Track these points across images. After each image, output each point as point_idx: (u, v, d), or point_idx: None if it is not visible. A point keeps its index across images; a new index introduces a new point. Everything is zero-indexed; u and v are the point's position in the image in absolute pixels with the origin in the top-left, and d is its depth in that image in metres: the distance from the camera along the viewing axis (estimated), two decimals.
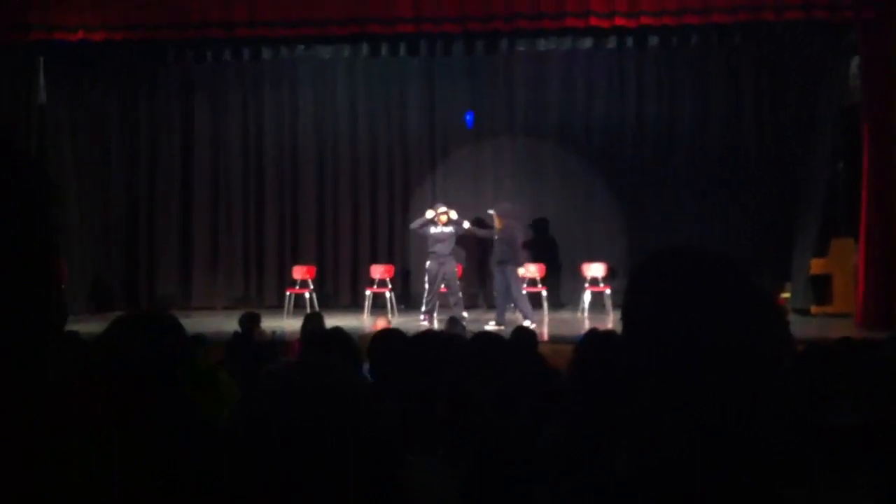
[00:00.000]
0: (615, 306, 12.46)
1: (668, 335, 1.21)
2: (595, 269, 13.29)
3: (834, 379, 3.44)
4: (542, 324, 11.73)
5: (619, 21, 11.22)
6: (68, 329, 6.70)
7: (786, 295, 12.46)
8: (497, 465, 2.13)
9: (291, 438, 1.06)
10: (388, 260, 14.11)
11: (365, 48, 12.57)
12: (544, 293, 13.06)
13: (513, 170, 14.37)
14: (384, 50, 12.57)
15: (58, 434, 1.27)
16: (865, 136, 11.18)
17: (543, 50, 12.96)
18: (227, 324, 10.16)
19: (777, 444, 1.16)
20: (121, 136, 14.39)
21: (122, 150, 14.41)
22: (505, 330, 10.53)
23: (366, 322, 12.04)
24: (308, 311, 11.56)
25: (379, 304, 13.24)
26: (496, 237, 11.69)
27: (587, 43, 12.37)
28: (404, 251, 14.19)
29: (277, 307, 13.42)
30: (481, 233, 12.47)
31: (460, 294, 12.03)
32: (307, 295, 13.32)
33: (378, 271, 13.61)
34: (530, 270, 13.31)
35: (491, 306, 14.07)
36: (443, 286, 11.89)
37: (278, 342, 8.36)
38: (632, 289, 1.29)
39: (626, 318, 1.28)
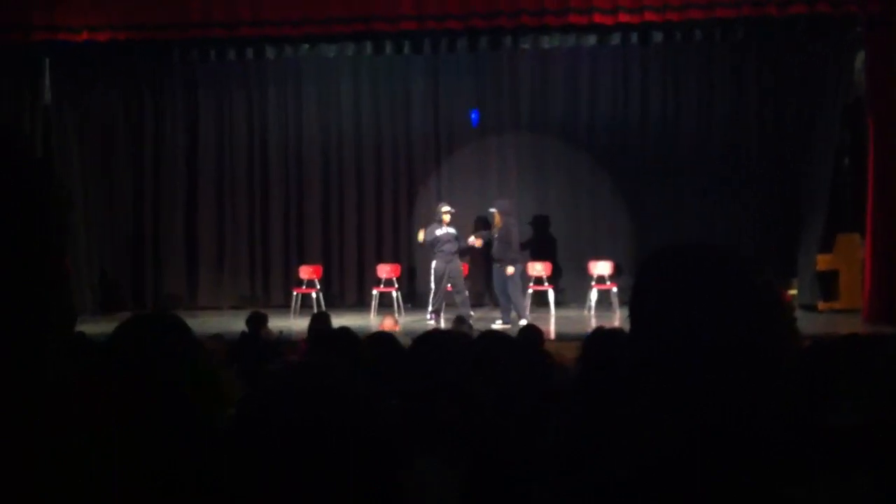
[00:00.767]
0: (622, 304, 12.46)
1: (670, 333, 1.21)
2: (601, 267, 13.28)
3: (840, 375, 3.43)
4: (548, 322, 11.72)
5: (623, 17, 11.21)
6: (76, 330, 6.72)
7: (792, 291, 12.43)
8: (497, 465, 2.13)
9: (292, 439, 1.07)
10: (394, 259, 14.11)
11: (369, 46, 12.57)
12: (551, 291, 13.05)
13: (517, 167, 14.37)
14: (388, 48, 12.57)
15: (58, 434, 1.27)
16: (870, 131, 11.16)
17: (547, 47, 12.94)
18: (234, 323, 10.18)
19: (777, 443, 1.16)
20: (126, 135, 14.42)
21: (127, 149, 14.43)
22: (512, 329, 10.61)
23: (373, 321, 12.03)
24: (315, 310, 11.56)
25: (385, 304, 13.24)
26: (495, 236, 11.68)
27: (591, 40, 12.36)
28: (410, 250, 14.18)
29: (284, 307, 13.44)
30: (481, 237, 12.28)
31: (466, 293, 12.04)
32: (314, 294, 13.33)
33: (384, 270, 13.62)
34: (536, 269, 13.31)
35: (497, 304, 14.09)
36: (449, 285, 11.90)
37: (284, 342, 8.36)
38: (637, 286, 1.29)
39: (633, 313, 1.28)
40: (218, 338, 7.47)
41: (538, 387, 3.01)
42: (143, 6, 11.52)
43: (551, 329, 11.15)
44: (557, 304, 13.10)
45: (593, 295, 12.92)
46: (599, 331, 4.47)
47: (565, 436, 2.35)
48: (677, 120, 14.03)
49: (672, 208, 13.56)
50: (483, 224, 13.89)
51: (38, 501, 1.23)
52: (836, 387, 2.94)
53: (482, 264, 14.12)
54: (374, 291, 13.36)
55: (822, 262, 12.33)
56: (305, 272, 13.67)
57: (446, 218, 11.96)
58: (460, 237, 12.16)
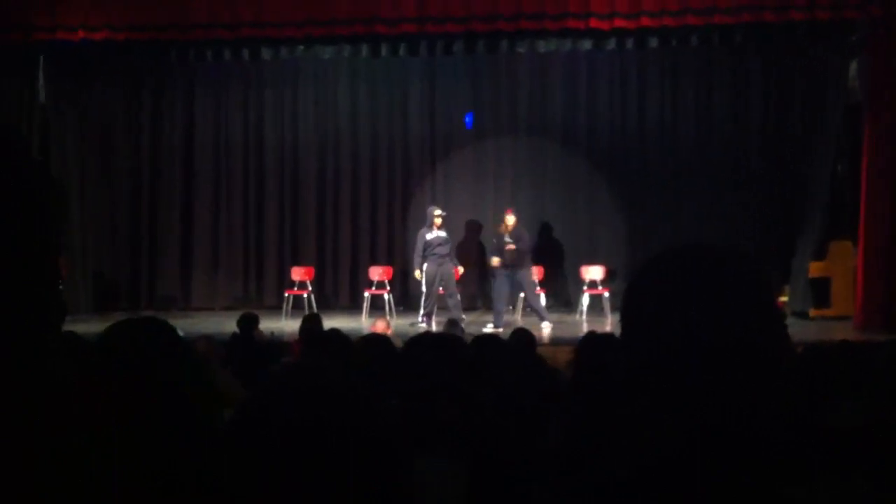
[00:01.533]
0: (613, 309, 12.45)
1: (667, 334, 1.21)
2: (594, 272, 13.29)
3: (833, 381, 3.45)
4: (540, 325, 11.72)
5: (619, 22, 11.22)
6: (68, 329, 6.71)
7: (784, 298, 12.46)
8: (499, 466, 2.13)
9: (293, 439, 1.07)
10: (387, 261, 14.11)
11: (365, 49, 12.57)
12: (542, 295, 13.05)
13: (513, 171, 14.39)
14: (385, 50, 12.57)
15: (57, 434, 1.27)
16: (866, 137, 11.18)
17: (545, 51, 12.95)
18: (227, 324, 10.17)
19: (777, 444, 1.16)
20: (122, 135, 14.41)
21: (124, 149, 14.42)
22: (503, 333, 10.61)
23: (364, 324, 12.02)
24: (307, 312, 11.56)
25: (378, 306, 13.23)
26: (506, 240, 11.67)
27: (588, 44, 12.37)
28: (404, 253, 14.18)
29: (276, 308, 13.43)
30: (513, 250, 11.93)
31: (458, 296, 12.04)
32: (306, 296, 13.32)
33: (377, 273, 13.60)
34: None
35: (490, 308, 14.10)
36: (440, 288, 11.91)
37: (276, 343, 8.36)
38: (632, 288, 1.29)
39: (625, 318, 1.28)
40: (208, 339, 7.46)
41: (535, 388, 3.02)
42: (142, 6, 11.51)
43: (544, 333, 11.15)
44: (549, 308, 13.09)
45: (585, 299, 12.93)
46: (592, 335, 4.48)
47: (565, 436, 2.35)
48: (675, 124, 14.05)
49: (669, 213, 13.58)
50: (475, 228, 13.95)
51: (34, 500, 1.22)
52: (833, 390, 2.95)
53: (475, 268, 14.13)
54: (367, 294, 13.35)
55: (815, 268, 12.35)
56: (297, 273, 13.65)
57: (438, 221, 11.98)
58: (451, 240, 12.18)
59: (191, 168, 14.65)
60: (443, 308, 12.11)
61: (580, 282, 13.34)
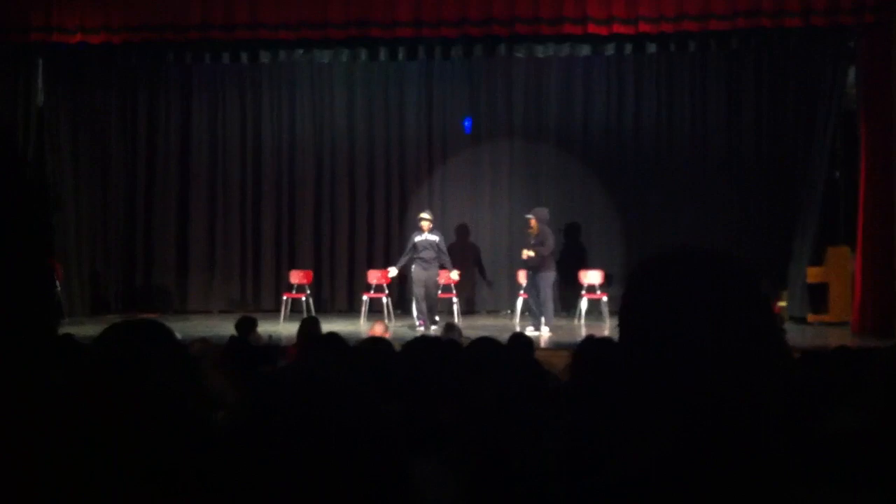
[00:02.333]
0: (612, 313, 12.47)
1: (664, 338, 1.21)
2: (592, 276, 13.29)
3: (831, 387, 3.45)
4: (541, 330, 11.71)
5: (618, 28, 11.24)
6: (64, 331, 6.70)
7: (782, 303, 12.47)
8: (497, 469, 2.13)
9: (291, 441, 1.06)
10: (384, 265, 14.09)
11: (363, 53, 12.58)
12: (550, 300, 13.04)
13: (510, 175, 14.39)
14: (382, 54, 12.57)
15: (53, 437, 1.26)
16: (863, 143, 11.19)
17: (542, 56, 12.96)
18: (224, 327, 10.16)
19: (774, 448, 1.16)
20: (119, 137, 14.39)
21: (120, 151, 14.41)
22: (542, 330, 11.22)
23: (362, 327, 12.02)
24: (304, 315, 11.55)
25: (376, 309, 13.22)
26: (531, 243, 11.70)
27: (585, 49, 12.38)
28: (401, 256, 14.18)
29: (274, 311, 13.42)
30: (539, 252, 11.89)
31: (436, 302, 12.20)
32: (303, 299, 13.30)
33: (375, 276, 13.59)
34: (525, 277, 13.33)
35: (489, 311, 14.13)
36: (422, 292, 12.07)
37: (274, 347, 8.35)
38: (629, 292, 1.29)
39: (622, 322, 1.28)
40: (203, 341, 7.45)
41: (534, 391, 3.02)
42: (139, 9, 11.51)
43: (542, 337, 11.16)
44: None
45: (583, 304, 12.93)
46: (590, 339, 4.48)
47: (563, 439, 2.35)
48: (671, 129, 14.07)
49: (666, 219, 13.59)
50: (464, 231, 13.98)
51: (32, 501, 1.22)
52: (831, 396, 2.95)
53: (474, 272, 14.16)
54: (364, 297, 13.34)
55: (813, 274, 12.36)
56: (296, 277, 13.64)
57: (424, 225, 12.09)
58: (441, 244, 12.22)
59: (187, 171, 14.64)
60: (442, 311, 12.20)
61: (578, 286, 13.34)
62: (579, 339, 8.32)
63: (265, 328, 9.84)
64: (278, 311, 13.20)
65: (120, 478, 1.58)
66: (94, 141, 13.92)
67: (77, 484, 1.39)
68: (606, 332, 10.45)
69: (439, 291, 12.35)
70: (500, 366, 2.82)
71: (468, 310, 13.75)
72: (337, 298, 14.53)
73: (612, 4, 11.13)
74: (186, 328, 10.82)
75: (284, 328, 11.52)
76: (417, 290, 12.03)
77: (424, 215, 12.23)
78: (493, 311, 14.16)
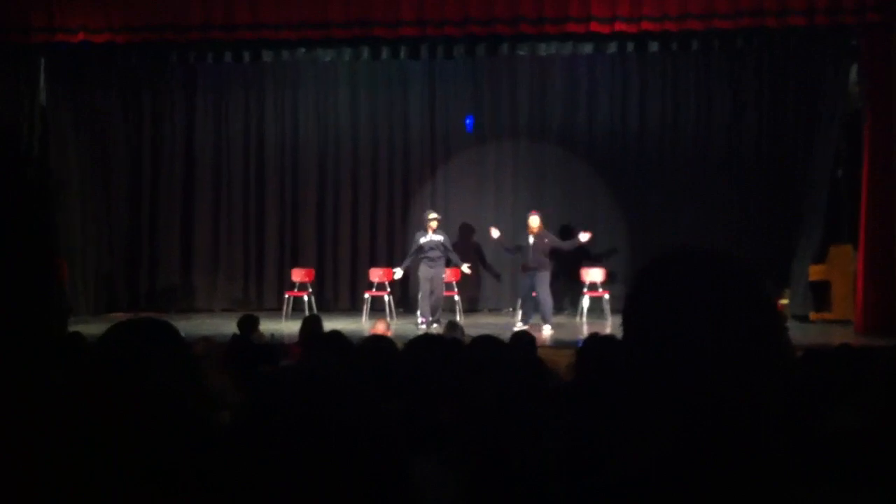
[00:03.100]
0: (614, 311, 12.46)
1: (668, 338, 1.21)
2: (594, 274, 13.28)
3: (832, 385, 3.44)
4: (540, 328, 11.72)
5: (620, 26, 11.22)
6: (71, 330, 6.71)
7: (784, 301, 12.46)
8: (499, 468, 2.13)
9: (293, 440, 1.06)
10: (387, 263, 14.09)
11: (366, 51, 12.58)
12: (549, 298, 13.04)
13: (514, 174, 14.39)
14: (385, 53, 12.57)
15: (57, 435, 1.27)
16: (866, 142, 11.18)
17: (545, 54, 12.95)
18: (226, 326, 10.17)
19: (775, 448, 1.16)
20: (122, 137, 14.40)
21: (124, 151, 14.41)
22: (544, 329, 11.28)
23: (364, 325, 12.03)
24: (307, 313, 11.55)
25: (378, 308, 13.23)
26: (531, 242, 11.74)
27: (588, 48, 12.37)
28: (404, 255, 14.18)
29: (276, 310, 13.42)
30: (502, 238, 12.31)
31: (441, 300, 12.27)
32: (306, 297, 13.31)
33: (377, 275, 13.59)
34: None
35: (492, 309, 14.13)
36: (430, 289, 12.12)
37: (276, 345, 8.35)
38: (634, 291, 1.29)
39: (626, 322, 1.28)
40: (206, 340, 7.45)
41: (535, 391, 3.02)
42: (141, 9, 11.50)
43: (544, 336, 11.16)
44: None
45: (585, 302, 12.92)
46: (594, 337, 4.48)
47: (566, 438, 2.35)
48: (675, 127, 14.05)
49: (669, 217, 13.58)
50: (468, 229, 13.99)
51: (34, 499, 1.22)
52: (833, 394, 2.95)
53: (477, 271, 14.15)
54: (367, 295, 13.35)
55: (815, 272, 12.36)
56: (298, 275, 13.64)
57: (432, 225, 12.14)
58: (447, 242, 12.29)
59: (191, 170, 14.65)
60: (445, 309, 12.22)
61: (580, 284, 13.34)
62: (581, 336, 8.33)
63: (267, 326, 9.85)
64: (281, 309, 13.21)
65: (120, 477, 1.58)
66: (97, 141, 13.92)
67: (77, 483, 1.39)
68: (608, 330, 10.46)
69: (444, 290, 12.37)
70: (501, 365, 2.82)
71: (470, 308, 13.76)
72: (339, 297, 14.53)
73: (616, 4, 11.11)
74: (189, 327, 10.82)
75: (287, 326, 11.52)
76: (424, 287, 12.08)
77: (433, 215, 12.26)
78: (495, 310, 14.15)
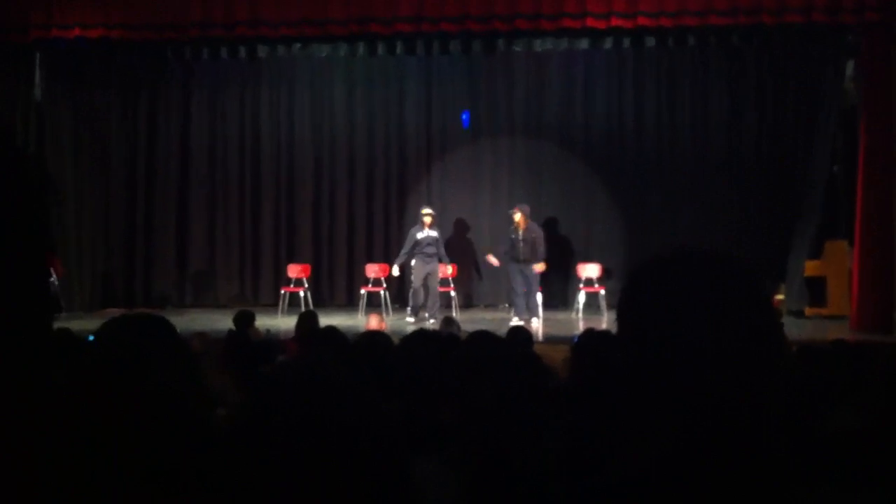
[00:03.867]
0: (609, 307, 12.49)
1: (663, 338, 1.21)
2: (590, 270, 13.29)
3: (830, 384, 3.44)
4: (536, 324, 11.73)
5: (616, 22, 11.21)
6: (62, 326, 6.70)
7: (780, 297, 12.49)
8: (498, 466, 2.13)
9: (291, 439, 1.06)
10: (383, 259, 14.10)
11: (362, 47, 12.56)
12: (539, 293, 13.04)
13: (510, 170, 14.39)
14: (381, 49, 12.56)
15: (54, 433, 1.26)
16: (862, 138, 11.19)
17: (541, 50, 12.95)
18: (222, 321, 10.16)
19: (775, 448, 1.16)
20: (118, 133, 14.37)
21: (120, 147, 14.39)
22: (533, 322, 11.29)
23: (360, 321, 12.03)
24: (303, 309, 11.55)
25: (374, 303, 13.24)
26: (519, 237, 11.74)
27: (584, 43, 12.37)
28: (399, 250, 14.19)
29: (272, 305, 13.42)
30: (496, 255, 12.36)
31: (437, 296, 12.29)
32: (302, 293, 13.31)
33: (373, 270, 13.60)
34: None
35: (488, 305, 14.14)
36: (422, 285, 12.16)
37: (272, 341, 8.34)
38: (628, 291, 1.29)
39: (621, 320, 1.28)
40: (201, 335, 7.44)
41: (535, 390, 3.02)
42: (137, 4, 11.47)
43: (539, 331, 11.17)
44: (545, 306, 13.09)
45: (581, 297, 12.93)
46: (590, 332, 4.48)
47: (564, 435, 2.35)
48: (671, 124, 14.06)
49: (665, 212, 13.60)
50: (463, 226, 14.00)
51: (30, 497, 1.22)
52: (829, 390, 2.95)
53: (471, 266, 14.16)
54: (363, 291, 13.35)
55: (811, 267, 12.39)
56: (294, 271, 13.64)
57: (427, 220, 12.17)
58: (440, 239, 12.36)
59: (187, 165, 14.64)
60: (441, 305, 12.25)
61: (576, 280, 13.35)
62: (577, 332, 8.33)
63: (263, 322, 9.84)
64: (277, 305, 13.20)
65: (119, 477, 1.58)
66: (94, 138, 13.89)
67: (76, 483, 1.39)
68: (605, 326, 10.48)
69: (438, 285, 12.39)
70: (500, 363, 2.82)
71: (466, 304, 13.78)
72: (335, 292, 14.54)
73: (612, 1, 11.10)
74: (185, 322, 10.81)
75: (283, 322, 11.52)
76: (416, 282, 12.10)
77: (428, 210, 12.30)
78: (491, 306, 14.16)
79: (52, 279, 7.71)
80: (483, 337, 3.58)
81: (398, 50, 12.61)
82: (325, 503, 1.06)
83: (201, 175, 14.63)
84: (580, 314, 12.74)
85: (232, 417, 1.14)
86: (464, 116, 14.27)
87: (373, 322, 8.68)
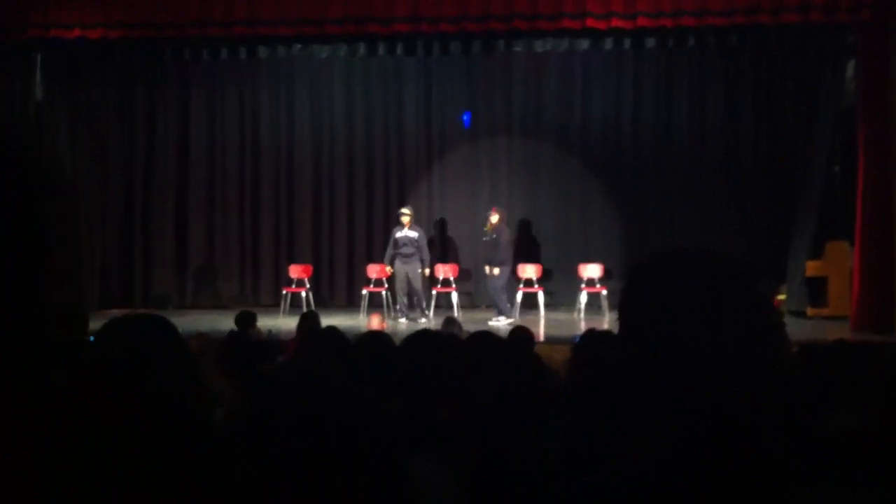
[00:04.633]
0: (611, 307, 12.48)
1: (662, 338, 1.21)
2: (591, 270, 13.29)
3: (830, 384, 3.44)
4: (538, 324, 11.74)
5: (616, 22, 11.20)
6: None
7: (781, 297, 12.48)
8: (498, 466, 2.13)
9: (291, 438, 1.06)
10: (384, 259, 14.09)
11: (362, 48, 12.56)
12: (540, 293, 13.06)
13: (509, 170, 14.40)
14: (381, 49, 12.56)
15: (54, 433, 1.26)
16: (861, 138, 11.19)
17: (541, 51, 12.95)
18: (223, 322, 10.16)
19: (775, 448, 1.16)
20: (117, 133, 14.38)
21: (119, 147, 14.39)
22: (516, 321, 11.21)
23: (362, 321, 12.04)
24: (304, 310, 11.55)
25: (375, 304, 13.23)
26: (493, 237, 11.93)
27: (584, 44, 12.37)
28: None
29: (273, 306, 13.42)
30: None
31: (422, 295, 12.32)
32: (303, 294, 13.31)
33: (374, 271, 13.60)
34: (526, 271, 13.32)
35: (489, 305, 14.14)
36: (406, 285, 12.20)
37: (274, 342, 8.35)
38: (627, 291, 1.29)
39: (622, 320, 1.28)
40: (201, 336, 7.43)
41: (534, 389, 3.02)
42: (137, 4, 11.47)
43: (541, 331, 11.16)
44: (547, 306, 13.11)
45: (583, 297, 12.93)
46: (591, 332, 4.47)
47: (564, 435, 2.35)
48: (670, 124, 14.07)
49: (664, 212, 13.61)
50: (462, 227, 14.03)
51: (30, 497, 1.22)
52: (829, 390, 2.95)
53: (469, 265, 14.17)
54: (364, 291, 13.35)
55: (811, 268, 12.39)
56: (295, 271, 13.65)
57: (404, 220, 12.19)
58: (421, 240, 12.36)
59: (186, 165, 14.64)
60: (439, 306, 12.23)
61: (577, 280, 13.35)
62: (579, 332, 8.33)
63: (265, 323, 9.84)
64: (278, 305, 13.20)
65: (119, 476, 1.58)
66: (92, 137, 13.90)
67: (76, 483, 1.39)
68: (606, 326, 10.48)
69: (420, 284, 12.35)
70: (499, 362, 2.82)
71: (467, 303, 13.77)
72: (336, 293, 14.54)
73: (611, 0, 11.10)
74: (186, 323, 10.81)
75: (284, 322, 11.52)
76: (399, 284, 12.19)
77: (405, 210, 12.37)
78: (493, 305, 14.14)
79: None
80: (483, 337, 3.58)
81: (398, 50, 12.61)
82: (324, 502, 1.06)
83: (200, 175, 14.63)
84: (582, 314, 12.73)
85: (230, 417, 1.14)
86: (465, 117, 14.27)
87: (374, 322, 8.69)
